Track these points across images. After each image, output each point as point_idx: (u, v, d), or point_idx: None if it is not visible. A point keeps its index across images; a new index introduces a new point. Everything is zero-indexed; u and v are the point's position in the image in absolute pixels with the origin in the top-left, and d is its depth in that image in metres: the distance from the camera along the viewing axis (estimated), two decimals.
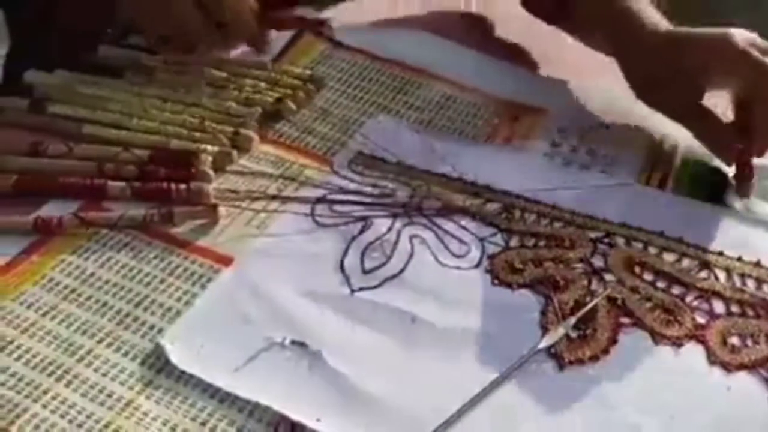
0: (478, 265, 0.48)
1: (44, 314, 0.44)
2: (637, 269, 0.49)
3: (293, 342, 0.43)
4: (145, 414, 0.40)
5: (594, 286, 0.47)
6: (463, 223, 0.51)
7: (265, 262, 0.48)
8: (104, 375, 0.41)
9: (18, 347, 0.42)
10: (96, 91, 0.56)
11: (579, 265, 0.48)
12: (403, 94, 0.63)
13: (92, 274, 0.46)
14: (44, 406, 0.40)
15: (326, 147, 0.57)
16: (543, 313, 0.45)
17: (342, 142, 0.57)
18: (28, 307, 0.44)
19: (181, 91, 0.58)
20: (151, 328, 0.44)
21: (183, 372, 0.41)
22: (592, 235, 0.51)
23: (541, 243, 0.50)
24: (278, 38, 0.66)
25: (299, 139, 0.57)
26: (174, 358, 0.42)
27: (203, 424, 0.40)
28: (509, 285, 0.47)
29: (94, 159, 0.51)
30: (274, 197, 0.52)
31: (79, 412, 0.40)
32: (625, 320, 0.46)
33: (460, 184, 0.54)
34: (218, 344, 0.43)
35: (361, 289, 0.47)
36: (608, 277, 0.48)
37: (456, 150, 0.57)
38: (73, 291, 0.45)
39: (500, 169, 0.55)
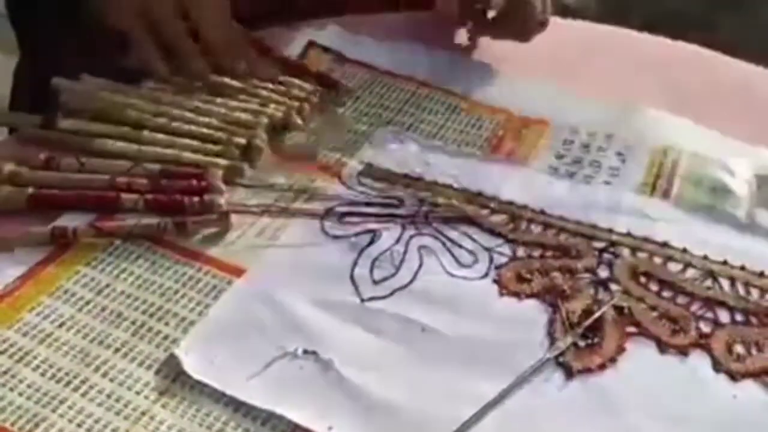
0: (485, 276, 0.49)
1: (60, 325, 0.45)
2: (642, 279, 0.50)
3: (305, 351, 0.44)
4: (161, 423, 0.41)
5: (600, 295, 0.48)
6: (470, 233, 0.52)
7: (276, 272, 0.48)
8: (120, 384, 0.42)
9: (35, 358, 0.43)
10: (114, 98, 0.57)
11: (585, 275, 0.49)
12: (410, 106, 0.64)
13: (107, 285, 0.47)
14: (61, 416, 0.40)
15: (335, 158, 0.58)
16: (551, 322, 0.46)
17: (350, 154, 0.58)
18: (45, 318, 0.45)
19: (195, 99, 0.58)
20: (166, 338, 0.45)
21: (197, 381, 0.42)
22: (598, 245, 0.51)
23: (548, 253, 0.51)
24: (289, 51, 0.68)
25: (309, 150, 0.58)
26: (188, 368, 0.43)
27: None
28: (517, 295, 0.48)
29: (106, 173, 0.52)
30: (283, 209, 0.53)
31: (96, 422, 0.40)
32: (631, 329, 0.47)
33: (466, 194, 0.55)
34: (232, 354, 0.44)
35: (371, 298, 0.47)
36: (614, 287, 0.49)
37: (461, 162, 0.58)
38: (88, 302, 0.46)
39: (505, 181, 0.56)
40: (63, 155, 0.53)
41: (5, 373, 0.42)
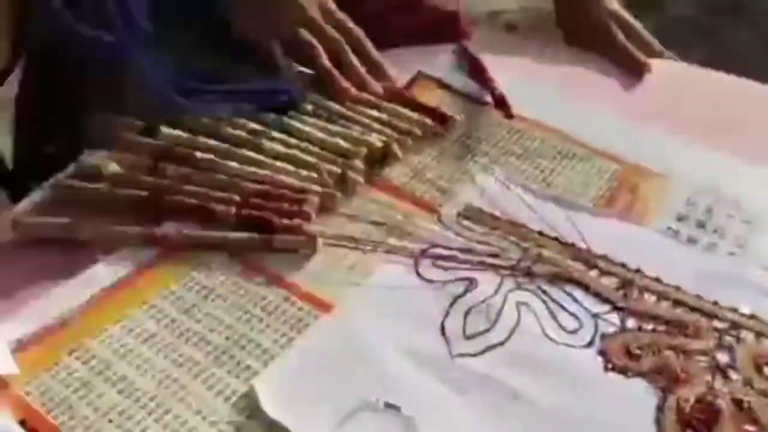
0: (590, 345, 0.45)
1: (144, 341, 0.44)
2: (766, 370, 0.44)
3: (387, 404, 0.41)
4: None
5: (718, 384, 0.43)
6: (575, 294, 0.48)
7: (365, 313, 0.46)
8: (196, 414, 0.41)
9: (114, 373, 0.42)
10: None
11: (702, 358, 0.44)
12: (519, 147, 0.61)
13: (194, 305, 0.46)
14: None
15: (434, 195, 0.55)
16: (659, 408, 0.42)
17: (451, 192, 0.56)
18: (129, 332, 0.44)
19: (296, 121, 0.57)
20: (247, 368, 0.43)
21: (273, 421, 0.40)
22: (718, 325, 0.46)
23: (661, 328, 0.46)
24: (397, 79, 0.66)
25: (408, 185, 0.56)
26: (266, 405, 0.41)
27: None
28: (624, 372, 0.44)
29: (204, 186, 0.51)
30: (376, 245, 0.50)
31: None
32: (750, 428, 0.42)
33: (574, 251, 0.51)
34: (311, 396, 0.41)
35: (461, 355, 0.44)
36: (734, 375, 0.44)
37: (571, 213, 0.54)
38: (173, 321, 0.45)
39: (618, 239, 0.52)
40: (167, 163, 0.52)
41: (84, 385, 0.41)
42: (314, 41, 0.60)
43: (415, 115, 0.60)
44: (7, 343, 0.42)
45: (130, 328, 0.45)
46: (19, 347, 0.42)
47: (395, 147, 0.56)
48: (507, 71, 0.66)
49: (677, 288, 0.49)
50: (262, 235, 0.48)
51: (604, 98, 0.66)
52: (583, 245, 0.52)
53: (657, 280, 0.49)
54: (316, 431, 0.40)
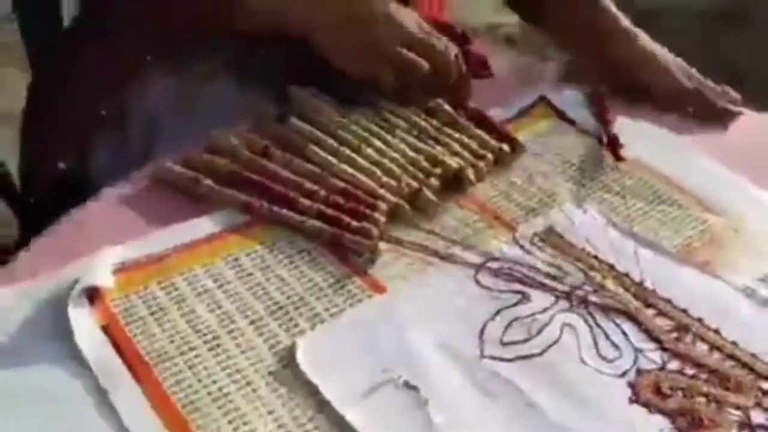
0: (622, 375, 0.45)
1: (219, 286, 0.50)
2: None
3: (407, 384, 0.44)
4: (260, 398, 0.44)
5: None
6: (624, 327, 0.48)
7: (413, 303, 0.49)
8: (242, 353, 0.46)
9: (188, 306, 0.49)
10: (332, 116, 0.62)
11: (735, 411, 0.43)
12: (618, 184, 0.61)
13: (268, 266, 0.52)
14: (185, 363, 0.46)
15: (516, 214, 0.57)
16: None
17: (534, 213, 0.57)
18: (210, 276, 0.51)
19: (389, 134, 0.61)
20: (296, 326, 0.48)
21: (305, 376, 0.45)
22: (764, 385, 0.44)
23: (702, 375, 0.45)
24: (520, 101, 0.68)
25: (493, 200, 0.58)
26: (302, 360, 0.45)
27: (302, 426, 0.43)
28: (647, 406, 0.43)
29: (302, 175, 0.57)
30: (440, 256, 0.53)
31: (210, 377, 0.45)
32: None
33: (638, 289, 0.51)
34: (343, 361, 0.45)
35: (492, 357, 0.46)
36: None
37: (649, 254, 0.54)
38: (249, 274, 0.51)
39: (688, 287, 0.51)
40: (278, 148, 0.59)
41: (160, 309, 0.48)
42: (421, 61, 0.61)
43: (492, 141, 0.62)
44: (111, 263, 0.50)
45: (211, 273, 0.51)
46: (120, 269, 0.50)
47: (469, 171, 0.59)
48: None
49: (734, 343, 0.47)
50: (333, 229, 0.53)
51: (711, 149, 0.64)
52: (649, 285, 0.51)
53: (716, 331, 0.48)
54: (340, 394, 0.44)
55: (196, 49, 0.66)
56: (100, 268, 0.49)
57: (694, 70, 0.72)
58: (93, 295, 0.48)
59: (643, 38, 0.72)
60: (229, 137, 0.60)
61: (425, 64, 0.61)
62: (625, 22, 0.73)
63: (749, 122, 0.71)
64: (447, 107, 0.64)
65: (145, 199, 0.56)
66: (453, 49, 0.63)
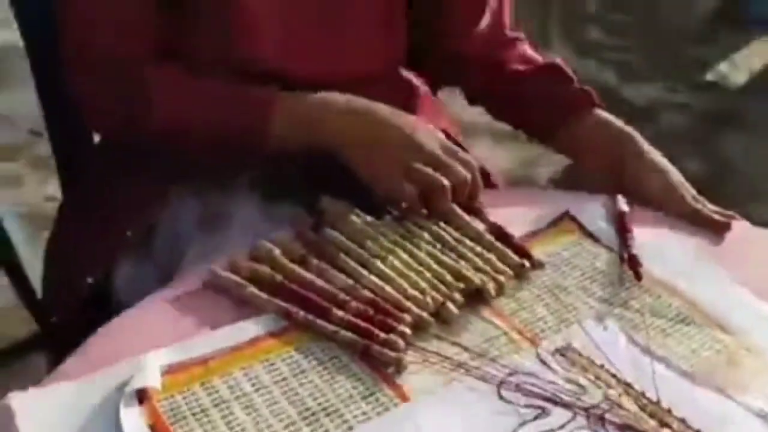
0: None
1: (257, 390, 0.54)
2: None
3: None
4: None
5: None
6: None
7: (437, 414, 0.52)
8: None
9: (228, 408, 0.52)
10: (361, 226, 0.67)
11: None
12: (639, 302, 0.64)
13: (303, 371, 0.56)
14: None
15: (539, 328, 0.60)
16: None
17: (556, 329, 0.60)
18: (249, 380, 0.55)
19: (415, 247, 0.65)
20: None
21: None
22: None
23: None
24: (546, 215, 0.72)
25: (516, 314, 0.62)
26: None
27: None
28: None
29: (335, 284, 0.61)
30: (463, 368, 0.55)
31: None
32: None
33: (654, 407, 0.53)
34: None
35: None
36: None
37: (666, 375, 0.56)
38: (284, 379, 0.55)
39: (704, 408, 0.53)
40: (313, 257, 0.64)
41: (202, 411, 0.52)
42: (444, 180, 0.66)
43: (512, 255, 0.65)
44: (159, 365, 0.54)
45: (249, 377, 0.55)
46: (168, 371, 0.54)
47: (490, 286, 0.62)
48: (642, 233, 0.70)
49: None
50: (364, 340, 0.57)
51: (733, 269, 0.67)
52: (665, 404, 0.53)
53: None
54: None
55: (221, 170, 0.71)
56: (150, 370, 0.53)
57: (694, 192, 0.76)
58: (142, 395, 0.52)
59: (655, 156, 0.76)
60: (271, 247, 0.64)
61: (445, 182, 0.66)
62: (641, 143, 0.77)
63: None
64: (467, 218, 0.68)
65: (193, 302, 0.61)
66: (472, 167, 0.68)
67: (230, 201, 0.72)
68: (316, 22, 0.74)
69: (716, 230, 0.73)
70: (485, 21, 0.84)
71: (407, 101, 0.79)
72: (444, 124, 0.81)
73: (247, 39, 0.72)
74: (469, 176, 0.67)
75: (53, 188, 0.84)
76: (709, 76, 2.26)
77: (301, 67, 0.73)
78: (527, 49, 0.86)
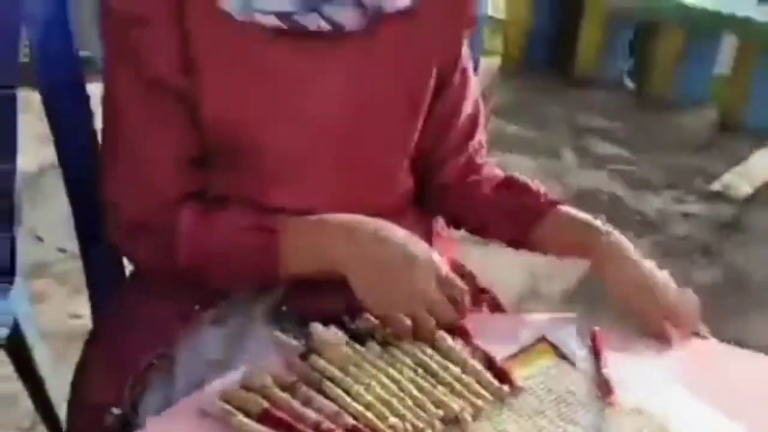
0: None
1: None
2: None
3: None
4: None
5: None
6: None
7: None
8: None
9: None
10: (347, 353, 0.71)
11: None
12: (611, 425, 0.66)
13: None
14: None
15: None
16: None
17: None
18: None
19: (397, 372, 0.69)
20: None
21: None
22: None
23: None
24: (522, 338, 0.75)
25: None
26: None
27: None
28: None
29: (319, 411, 0.65)
30: None
31: None
32: None
33: None
34: None
35: None
36: None
37: None
38: None
39: None
40: (301, 384, 0.68)
41: None
42: (431, 321, 0.71)
43: (492, 379, 0.69)
44: None
45: None
46: None
47: (466, 413, 0.65)
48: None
49: None
50: None
51: (705, 390, 0.69)
52: None
53: None
54: None
55: (240, 300, 0.77)
56: None
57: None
58: None
59: (638, 260, 0.80)
60: (261, 375, 0.69)
61: (431, 322, 0.72)
62: (624, 245, 0.80)
63: (743, 363, 0.75)
64: (451, 343, 0.72)
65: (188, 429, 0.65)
66: (462, 299, 0.73)
67: (249, 327, 0.76)
68: (334, 165, 0.80)
69: (661, 337, 0.76)
70: (473, 145, 0.90)
71: (424, 235, 0.84)
72: (453, 253, 0.87)
73: (276, 188, 0.78)
74: (455, 317, 0.72)
75: (78, 306, 0.88)
76: (715, 186, 2.31)
77: (320, 204, 0.78)
78: (493, 168, 0.91)
